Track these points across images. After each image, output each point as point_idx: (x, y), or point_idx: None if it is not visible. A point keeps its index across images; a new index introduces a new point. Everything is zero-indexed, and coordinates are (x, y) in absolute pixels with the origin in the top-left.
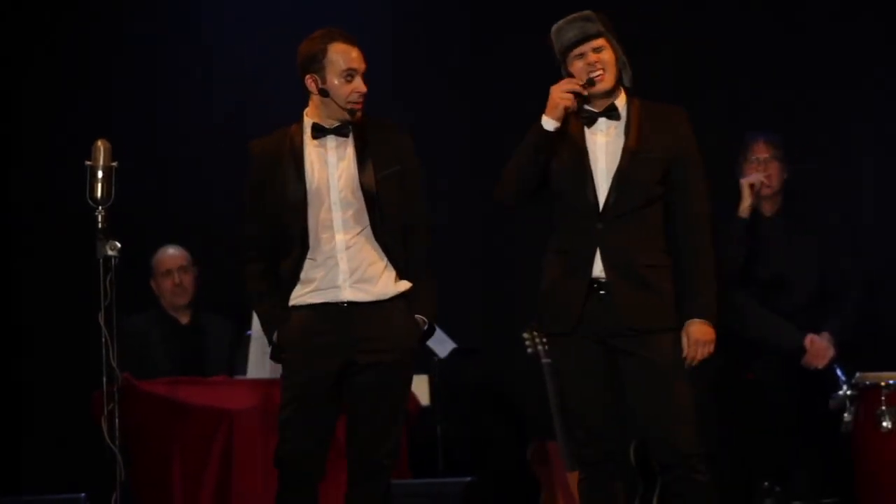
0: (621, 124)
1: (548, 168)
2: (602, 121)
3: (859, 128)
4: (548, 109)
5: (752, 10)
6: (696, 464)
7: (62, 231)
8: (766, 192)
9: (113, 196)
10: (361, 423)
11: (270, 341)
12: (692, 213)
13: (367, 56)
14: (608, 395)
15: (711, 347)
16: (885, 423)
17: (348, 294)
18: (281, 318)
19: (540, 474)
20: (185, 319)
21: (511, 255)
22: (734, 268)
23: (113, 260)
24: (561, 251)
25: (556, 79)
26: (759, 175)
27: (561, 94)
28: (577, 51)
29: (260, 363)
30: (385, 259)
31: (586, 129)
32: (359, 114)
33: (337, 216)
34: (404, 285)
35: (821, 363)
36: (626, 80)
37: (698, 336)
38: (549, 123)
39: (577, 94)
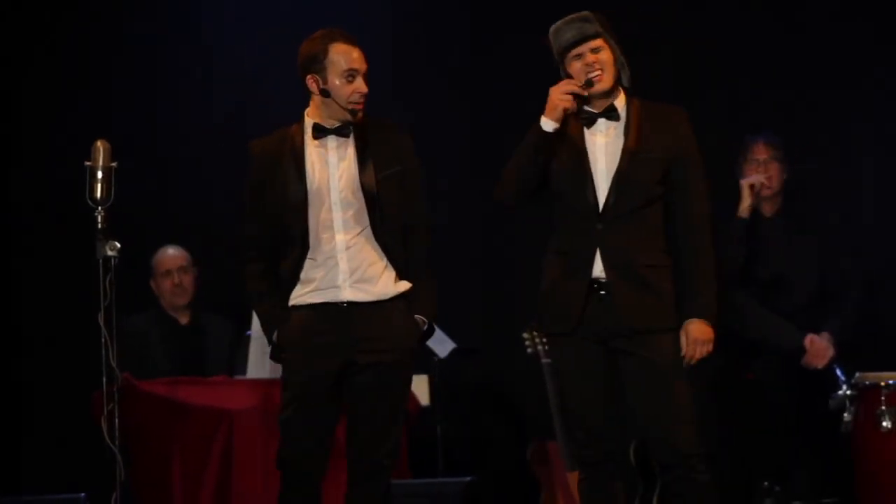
0: (621, 125)
1: (547, 169)
2: (601, 121)
3: (859, 128)
4: (547, 111)
5: (752, 10)
6: (696, 464)
7: (62, 231)
8: (766, 193)
9: (113, 196)
10: (361, 423)
11: (270, 341)
12: (692, 214)
13: (368, 56)
14: (608, 396)
15: (710, 347)
16: (884, 423)
17: (348, 294)
18: (281, 318)
19: (540, 474)
20: (184, 319)
21: (511, 255)
22: (734, 268)
23: (113, 260)
24: (561, 252)
25: (556, 79)
26: (760, 176)
27: (560, 96)
28: (575, 51)
29: (260, 363)
30: (385, 259)
31: (586, 130)
32: (360, 114)
33: (337, 216)
34: (404, 285)
35: (820, 363)
36: (625, 81)
37: (697, 335)
38: (548, 124)
39: (576, 96)
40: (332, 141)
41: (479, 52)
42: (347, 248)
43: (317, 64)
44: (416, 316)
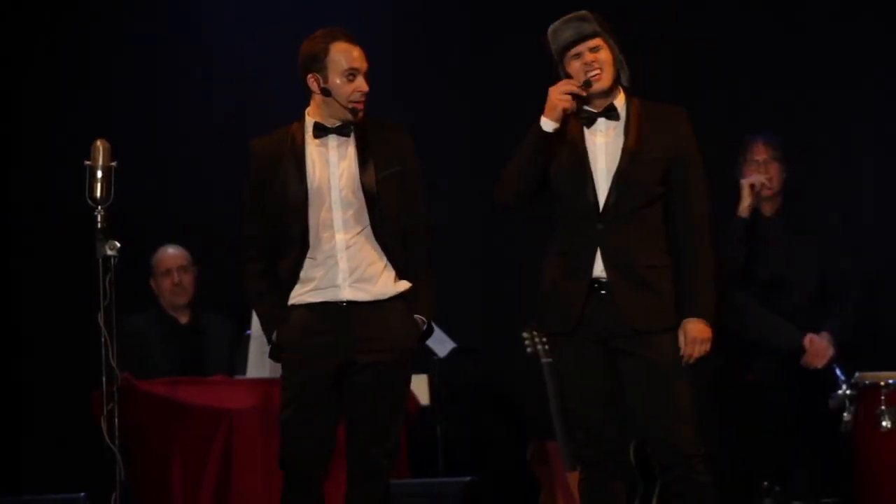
0: (620, 124)
1: (547, 169)
2: (601, 121)
3: (859, 128)
4: (546, 111)
5: (752, 10)
6: (696, 464)
7: (62, 231)
8: (766, 193)
9: (112, 196)
10: (361, 423)
11: (270, 341)
12: (692, 213)
13: (368, 56)
14: (608, 396)
15: (708, 346)
16: (884, 423)
17: (347, 293)
18: (280, 317)
19: (540, 474)
20: (184, 319)
21: (511, 255)
22: (734, 268)
23: (112, 260)
24: (561, 252)
25: (556, 79)
26: (761, 176)
27: (559, 96)
28: (573, 51)
29: (260, 363)
30: (385, 259)
31: (586, 130)
32: (360, 114)
33: (337, 216)
34: (404, 285)
35: (820, 363)
36: (624, 80)
37: (695, 334)
38: (547, 125)
39: (575, 95)
40: (332, 140)
41: (479, 52)
42: (347, 247)
43: (318, 63)
44: (415, 316)
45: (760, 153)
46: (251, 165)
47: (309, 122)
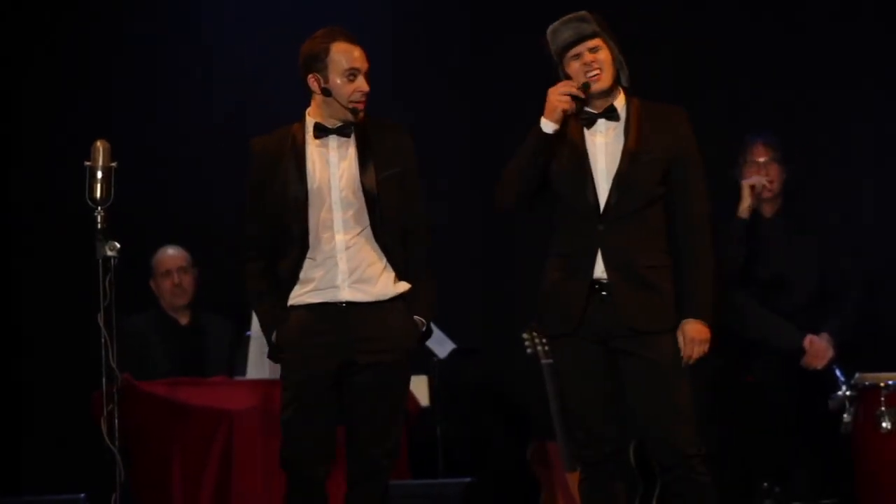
0: (620, 125)
1: (548, 170)
2: (601, 122)
3: (859, 128)
4: (546, 112)
5: (752, 10)
6: (696, 464)
7: (62, 231)
8: (766, 195)
9: (112, 196)
10: (360, 423)
11: (269, 341)
12: (692, 214)
13: (368, 56)
14: (608, 396)
15: (706, 346)
16: (884, 424)
17: (347, 294)
18: (280, 317)
19: (540, 474)
20: (184, 320)
21: (511, 255)
22: (734, 268)
23: (112, 260)
24: (562, 253)
25: (556, 79)
26: (762, 178)
27: (558, 97)
28: (573, 51)
29: (259, 363)
30: (384, 260)
31: (586, 131)
32: (361, 114)
33: (337, 216)
34: (403, 286)
35: (820, 364)
36: (624, 80)
37: (694, 335)
38: (547, 126)
39: (574, 97)
40: (333, 140)
41: (479, 52)
42: (347, 248)
43: (318, 63)
44: (414, 317)
45: (761, 155)
46: (251, 165)
47: (309, 122)
